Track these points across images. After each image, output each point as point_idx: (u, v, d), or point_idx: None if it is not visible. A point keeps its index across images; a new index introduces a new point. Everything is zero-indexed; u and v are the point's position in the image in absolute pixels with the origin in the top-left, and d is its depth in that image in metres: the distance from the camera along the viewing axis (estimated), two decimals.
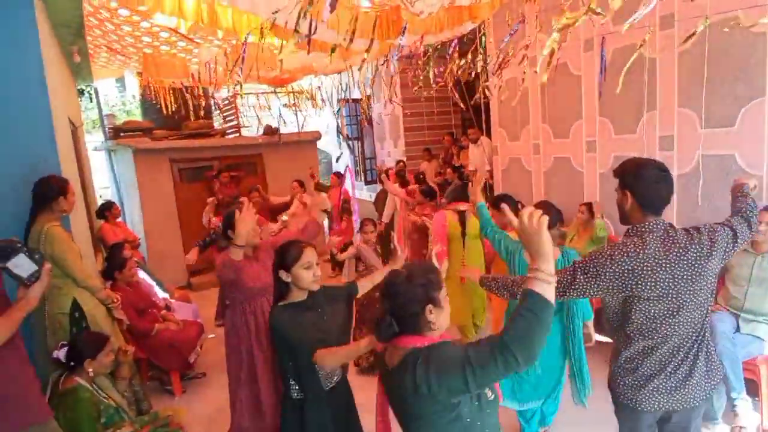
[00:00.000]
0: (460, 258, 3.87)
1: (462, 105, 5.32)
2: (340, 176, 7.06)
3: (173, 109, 6.29)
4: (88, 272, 2.88)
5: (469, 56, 5.11)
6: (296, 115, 8.65)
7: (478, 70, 5.20)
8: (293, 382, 2.07)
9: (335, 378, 2.10)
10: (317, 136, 8.59)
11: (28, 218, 2.77)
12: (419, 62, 5.55)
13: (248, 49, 3.93)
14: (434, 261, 2.43)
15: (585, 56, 4.76)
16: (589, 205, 4.46)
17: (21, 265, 1.60)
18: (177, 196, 7.32)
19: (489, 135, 6.57)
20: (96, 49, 5.54)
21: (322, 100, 7.79)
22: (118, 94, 12.04)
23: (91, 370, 2.57)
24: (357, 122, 10.77)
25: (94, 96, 8.65)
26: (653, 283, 1.64)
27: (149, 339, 4.02)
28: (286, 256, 2.05)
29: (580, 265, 1.72)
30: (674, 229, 1.70)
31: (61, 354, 2.52)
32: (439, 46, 5.18)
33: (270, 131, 7.94)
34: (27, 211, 2.77)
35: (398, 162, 8.22)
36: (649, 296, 1.66)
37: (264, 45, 4.19)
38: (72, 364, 2.53)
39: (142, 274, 4.86)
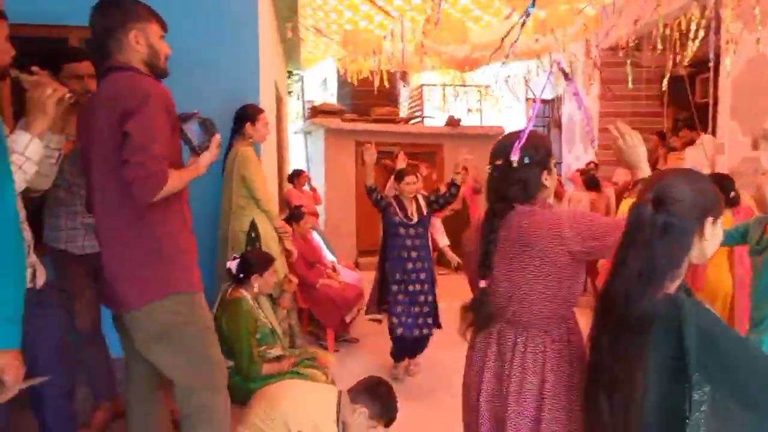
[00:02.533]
0: None
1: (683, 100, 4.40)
2: None
3: (364, 84, 6.56)
4: (269, 197, 3.02)
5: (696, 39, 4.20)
6: (480, 110, 8.39)
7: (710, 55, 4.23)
8: None
9: None
10: (500, 131, 8.20)
11: (228, 143, 3.00)
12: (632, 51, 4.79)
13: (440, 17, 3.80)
14: None
15: None
16: None
17: (194, 131, 1.64)
18: (357, 178, 7.64)
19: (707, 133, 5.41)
20: (305, 31, 6.07)
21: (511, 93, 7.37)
22: (320, 92, 13.36)
23: (256, 285, 2.63)
24: (544, 125, 10.06)
25: (300, 83, 9.65)
26: None
27: (313, 291, 4.14)
28: None
29: None
30: None
31: (233, 265, 2.63)
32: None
33: (453, 122, 7.82)
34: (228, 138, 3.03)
35: (588, 163, 7.34)
36: None
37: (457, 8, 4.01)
38: (241, 276, 2.62)
39: (315, 236, 5.12)
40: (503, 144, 1.44)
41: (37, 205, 2.16)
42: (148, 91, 1.48)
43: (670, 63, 4.38)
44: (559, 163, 9.79)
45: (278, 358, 2.65)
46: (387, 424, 2.06)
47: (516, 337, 1.39)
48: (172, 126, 1.56)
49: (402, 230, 3.44)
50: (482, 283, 1.38)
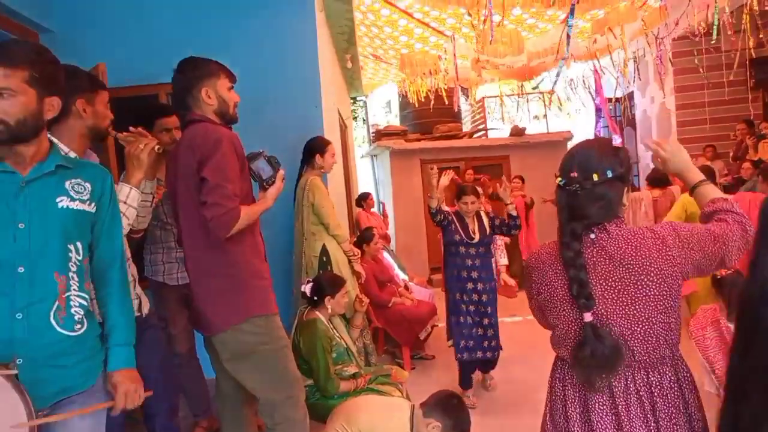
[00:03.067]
0: None
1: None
2: None
3: (425, 103, 6.68)
4: (338, 223, 3.19)
5: None
6: (545, 116, 8.20)
7: None
8: None
9: None
10: (568, 136, 7.96)
11: (298, 174, 3.22)
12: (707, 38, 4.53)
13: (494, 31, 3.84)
14: None
15: None
16: None
17: (262, 168, 1.83)
18: (424, 197, 7.72)
19: None
20: (364, 59, 6.33)
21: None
22: (384, 115, 13.70)
23: (329, 307, 2.78)
24: (617, 124, 9.60)
25: (363, 108, 9.97)
26: None
27: (386, 310, 4.24)
28: None
29: None
30: None
31: (307, 288, 2.79)
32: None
33: (517, 132, 7.72)
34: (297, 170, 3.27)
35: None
36: None
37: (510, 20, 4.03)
38: (315, 299, 2.78)
39: (386, 255, 5.24)
40: (579, 154, 1.29)
41: (139, 243, 2.46)
42: (219, 138, 1.68)
43: (752, 44, 4.08)
44: (635, 163, 9.30)
45: (354, 376, 2.76)
46: None
47: (632, 380, 1.21)
48: (242, 166, 1.75)
49: (462, 249, 3.35)
50: (587, 317, 1.19)
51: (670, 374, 1.22)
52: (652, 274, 1.18)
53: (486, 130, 8.29)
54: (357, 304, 3.20)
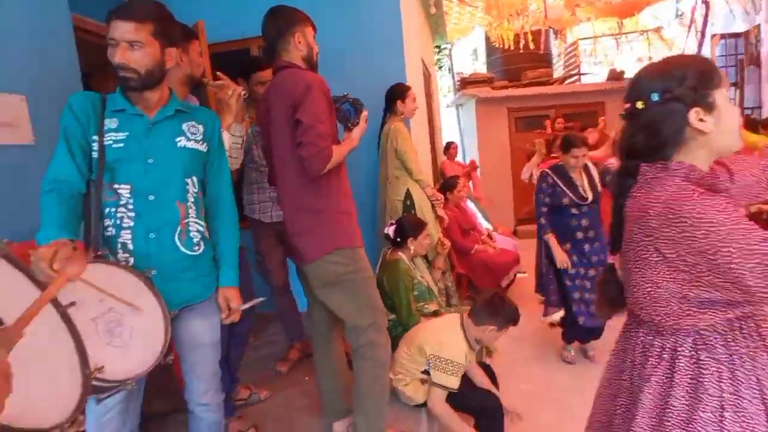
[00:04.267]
0: None
1: None
2: None
3: (512, 48, 6.39)
4: (420, 167, 3.26)
5: None
6: (650, 58, 7.48)
7: None
8: None
9: None
10: None
11: (381, 122, 3.32)
12: None
13: None
14: None
15: None
16: None
17: (347, 110, 1.96)
18: (511, 146, 7.52)
19: None
20: (449, 3, 6.14)
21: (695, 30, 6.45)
22: (471, 63, 13.24)
23: (412, 248, 2.91)
24: (736, 63, 8.52)
25: (448, 57, 9.72)
26: None
27: (468, 256, 4.31)
28: None
29: None
30: None
31: (390, 230, 2.94)
32: None
33: (615, 76, 7.16)
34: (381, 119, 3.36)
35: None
36: None
37: None
38: (398, 240, 2.92)
39: (469, 204, 5.26)
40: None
41: (235, 184, 2.73)
42: (309, 82, 1.81)
43: None
44: (758, 108, 8.28)
45: (435, 313, 2.90)
46: (515, 324, 2.27)
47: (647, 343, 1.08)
48: (330, 108, 1.87)
49: (575, 211, 3.06)
50: (610, 259, 1.17)
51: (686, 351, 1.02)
52: (654, 237, 1.00)
53: (579, 74, 7.77)
54: (439, 246, 3.32)
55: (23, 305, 0.86)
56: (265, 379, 2.76)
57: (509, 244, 4.94)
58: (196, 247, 1.55)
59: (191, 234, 1.53)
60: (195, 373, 1.61)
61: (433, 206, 3.34)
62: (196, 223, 1.55)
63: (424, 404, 2.31)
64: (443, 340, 2.24)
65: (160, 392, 2.61)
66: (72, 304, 1.03)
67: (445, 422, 2.21)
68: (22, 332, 0.69)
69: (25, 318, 0.72)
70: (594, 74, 8.13)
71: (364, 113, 1.96)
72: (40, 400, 0.83)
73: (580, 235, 3.09)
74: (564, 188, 3.06)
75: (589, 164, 3.14)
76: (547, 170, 3.17)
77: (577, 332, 3.25)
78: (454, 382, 2.18)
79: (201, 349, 1.59)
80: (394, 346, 2.18)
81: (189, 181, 1.54)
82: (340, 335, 2.23)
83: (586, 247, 3.10)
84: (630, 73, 7.29)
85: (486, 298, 2.29)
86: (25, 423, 0.72)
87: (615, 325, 1.34)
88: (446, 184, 4.81)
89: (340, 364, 2.24)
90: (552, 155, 4.19)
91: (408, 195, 3.24)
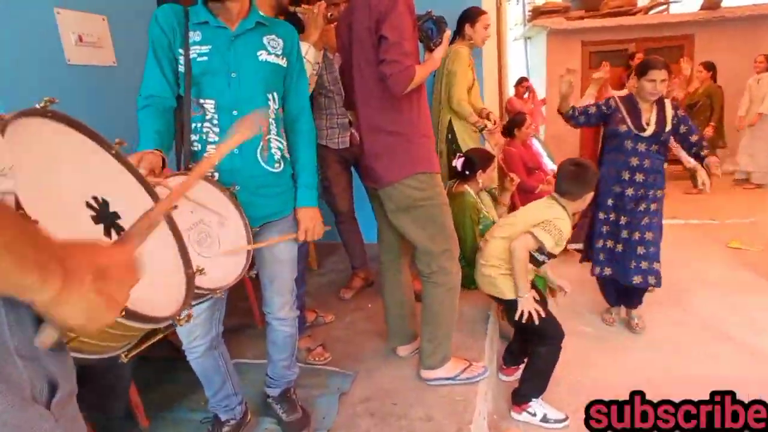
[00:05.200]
0: None
1: None
2: None
3: None
4: (462, 97, 3.02)
5: None
6: None
7: None
8: None
9: None
10: None
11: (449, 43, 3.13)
12: None
13: None
14: None
15: None
16: None
17: (430, 28, 1.85)
18: (583, 83, 7.04)
19: None
20: None
21: None
22: None
23: (480, 181, 2.84)
24: None
25: None
26: None
27: (532, 195, 4.18)
28: None
29: None
30: None
31: (458, 163, 2.87)
32: None
33: (710, 4, 6.41)
34: None
35: None
36: None
37: None
38: (466, 173, 2.85)
39: (535, 143, 5.04)
40: None
41: None
42: None
43: None
44: None
45: None
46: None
47: None
48: (414, 25, 1.77)
49: (628, 143, 2.65)
50: None
51: None
52: None
53: (668, 3, 7.02)
54: (508, 182, 3.22)
55: (135, 205, 0.89)
56: (329, 305, 2.86)
57: None
58: (277, 165, 1.55)
59: (272, 151, 1.54)
60: (273, 288, 1.67)
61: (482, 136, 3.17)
62: (276, 140, 1.56)
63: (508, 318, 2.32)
64: (551, 216, 2.13)
65: (235, 308, 2.79)
66: (175, 207, 1.06)
67: (516, 265, 2.08)
68: (156, 222, 0.70)
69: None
70: (681, 2, 7.32)
71: (447, 32, 1.86)
72: (153, 293, 0.87)
73: (626, 175, 2.68)
74: (624, 114, 2.66)
75: (668, 102, 2.70)
76: (614, 96, 2.81)
77: (610, 295, 3.01)
78: (552, 245, 2.07)
79: (279, 265, 1.64)
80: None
81: (270, 96, 1.53)
82: (408, 262, 2.24)
83: (630, 191, 2.69)
84: (728, 1, 6.51)
85: (567, 173, 2.20)
86: (145, 310, 0.75)
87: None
88: (513, 121, 4.62)
89: (408, 289, 2.26)
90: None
91: (450, 127, 3.11)
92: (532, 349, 2.22)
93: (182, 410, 1.95)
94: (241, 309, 2.71)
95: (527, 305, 2.07)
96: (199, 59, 1.44)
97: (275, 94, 1.54)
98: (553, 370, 2.17)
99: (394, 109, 1.82)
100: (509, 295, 2.16)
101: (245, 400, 1.80)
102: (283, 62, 1.54)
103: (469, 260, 2.86)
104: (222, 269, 1.36)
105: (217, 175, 1.48)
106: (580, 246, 3.19)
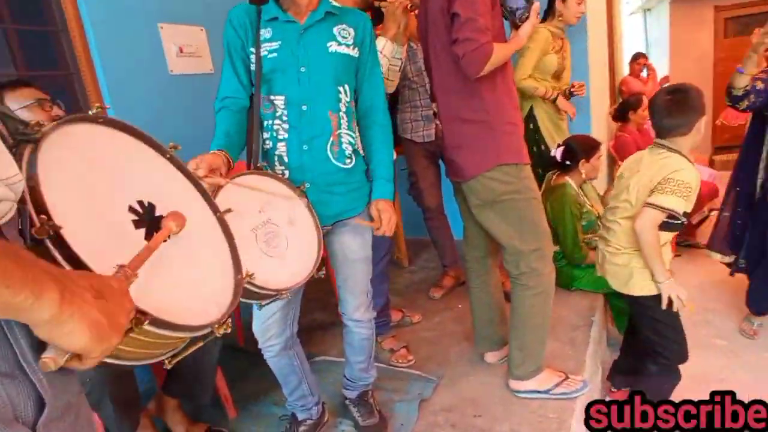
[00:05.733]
0: None
1: None
2: None
3: None
4: (528, 74, 2.67)
5: None
6: None
7: None
8: None
9: None
10: None
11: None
12: None
13: None
14: None
15: None
16: None
17: (515, 2, 1.66)
18: (716, 55, 6.14)
19: None
20: None
21: None
22: None
23: (583, 171, 2.56)
24: None
25: None
26: None
27: None
28: None
29: None
30: None
31: (557, 153, 2.61)
32: None
33: None
34: None
35: None
36: None
37: None
38: (567, 163, 2.58)
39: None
40: None
41: (391, 106, 2.63)
42: None
43: None
44: None
45: None
46: None
47: None
48: (493, 3, 1.61)
49: None
50: None
51: None
52: None
53: None
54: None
55: (186, 208, 0.87)
56: (418, 304, 2.77)
57: (704, 173, 4.13)
58: (348, 160, 1.49)
59: (343, 146, 1.48)
60: (347, 288, 1.62)
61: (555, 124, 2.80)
62: (347, 134, 1.49)
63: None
64: (667, 170, 1.71)
65: (324, 305, 2.82)
66: (228, 210, 1.04)
67: (645, 250, 1.75)
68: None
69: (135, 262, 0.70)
70: None
71: (536, 5, 1.65)
72: (192, 299, 0.85)
73: None
74: None
75: None
76: None
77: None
78: (682, 204, 1.67)
79: (352, 265, 1.58)
80: (558, 280, 1.91)
81: (341, 89, 1.46)
82: (497, 262, 2.07)
83: None
84: None
85: (663, 106, 1.75)
86: (175, 318, 0.72)
87: None
88: (627, 103, 4.18)
89: (497, 292, 2.09)
90: None
91: (531, 115, 2.78)
92: (642, 366, 1.93)
93: (267, 404, 2.00)
94: (329, 304, 2.73)
95: (671, 289, 1.74)
96: (269, 56, 1.42)
97: (347, 86, 1.48)
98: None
99: (473, 95, 1.67)
100: (646, 290, 1.82)
101: (322, 401, 1.78)
102: (354, 52, 1.47)
103: (570, 259, 2.61)
104: (290, 269, 1.34)
105: (287, 173, 1.46)
106: (729, 259, 2.69)
